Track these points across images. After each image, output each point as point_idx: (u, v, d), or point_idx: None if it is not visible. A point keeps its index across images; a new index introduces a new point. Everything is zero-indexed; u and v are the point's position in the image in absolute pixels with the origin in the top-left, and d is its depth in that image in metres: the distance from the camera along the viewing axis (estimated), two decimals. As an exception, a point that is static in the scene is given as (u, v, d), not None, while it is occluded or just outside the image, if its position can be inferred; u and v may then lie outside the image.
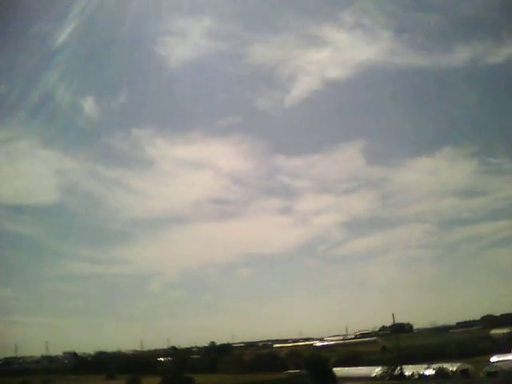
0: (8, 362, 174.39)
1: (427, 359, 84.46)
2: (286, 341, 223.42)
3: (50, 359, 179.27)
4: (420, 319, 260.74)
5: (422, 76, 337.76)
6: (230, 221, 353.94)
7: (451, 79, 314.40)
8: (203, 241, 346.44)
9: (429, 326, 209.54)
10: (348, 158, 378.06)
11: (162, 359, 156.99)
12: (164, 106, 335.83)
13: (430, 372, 75.98)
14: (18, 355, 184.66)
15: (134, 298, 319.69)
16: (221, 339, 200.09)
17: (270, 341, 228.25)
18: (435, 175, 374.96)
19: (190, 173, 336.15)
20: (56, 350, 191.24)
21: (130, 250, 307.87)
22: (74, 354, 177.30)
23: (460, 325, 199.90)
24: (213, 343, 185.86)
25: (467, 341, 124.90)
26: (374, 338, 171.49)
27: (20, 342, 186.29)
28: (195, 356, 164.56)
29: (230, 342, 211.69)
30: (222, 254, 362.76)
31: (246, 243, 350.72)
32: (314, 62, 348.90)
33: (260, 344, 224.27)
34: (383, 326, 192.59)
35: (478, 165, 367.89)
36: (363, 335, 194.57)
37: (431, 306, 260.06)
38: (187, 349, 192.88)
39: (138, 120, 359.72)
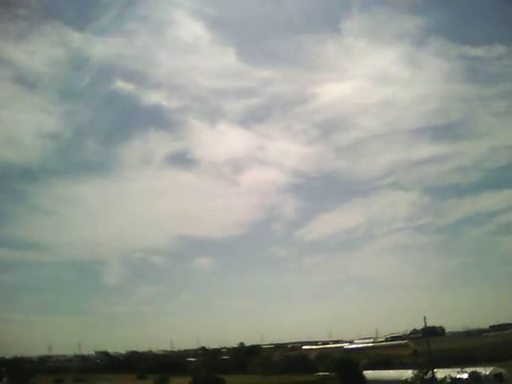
0: (42, 360, 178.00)
1: (460, 363, 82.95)
2: (315, 343, 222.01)
3: (82, 358, 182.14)
4: (452, 322, 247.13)
5: None
6: (106, 178, 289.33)
7: None
8: (95, 217, 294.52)
9: (461, 329, 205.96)
10: (196, 40, 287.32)
11: (191, 359, 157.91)
12: None
13: (462, 376, 74.72)
14: (52, 354, 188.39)
15: (95, 293, 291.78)
16: (248, 340, 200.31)
17: (298, 342, 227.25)
18: (381, 86, 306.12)
19: None
20: (88, 350, 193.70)
21: (26, 230, 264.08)
22: (106, 354, 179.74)
23: (493, 328, 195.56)
24: (242, 344, 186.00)
25: (501, 344, 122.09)
26: (404, 341, 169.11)
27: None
28: (224, 357, 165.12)
29: (259, 343, 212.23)
30: (149, 236, 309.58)
31: (162, 218, 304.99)
32: None
33: (289, 346, 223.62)
34: (414, 329, 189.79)
35: (449, 62, 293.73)
36: (394, 338, 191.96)
37: (459, 308, 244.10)
38: (216, 349, 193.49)
39: None
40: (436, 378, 73.77)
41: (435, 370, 74.65)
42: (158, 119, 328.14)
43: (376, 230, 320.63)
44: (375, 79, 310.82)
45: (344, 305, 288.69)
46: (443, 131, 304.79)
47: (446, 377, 75.06)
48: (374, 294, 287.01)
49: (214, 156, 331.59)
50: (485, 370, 76.00)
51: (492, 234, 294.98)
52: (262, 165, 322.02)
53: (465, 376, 74.45)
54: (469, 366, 77.67)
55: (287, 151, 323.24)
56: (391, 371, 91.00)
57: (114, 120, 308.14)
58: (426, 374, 74.45)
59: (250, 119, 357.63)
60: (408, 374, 77.93)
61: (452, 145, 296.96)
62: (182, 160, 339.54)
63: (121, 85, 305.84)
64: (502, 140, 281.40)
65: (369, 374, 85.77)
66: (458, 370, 76.72)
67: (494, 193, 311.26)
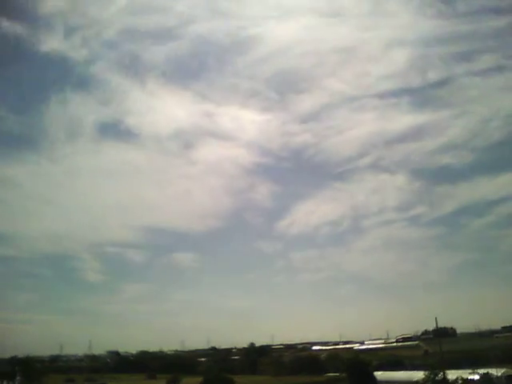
0: (53, 359, 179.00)
1: (471, 364, 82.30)
2: (325, 343, 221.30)
3: (93, 358, 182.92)
4: (463, 323, 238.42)
5: None
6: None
7: None
8: (41, 203, 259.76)
9: (473, 330, 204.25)
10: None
11: (202, 359, 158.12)
12: None
13: (474, 377, 74.13)
14: (63, 353, 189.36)
15: (79, 291, 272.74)
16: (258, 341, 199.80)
17: (309, 343, 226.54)
18: (335, 24, 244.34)
19: None
20: (98, 349, 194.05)
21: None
22: (117, 354, 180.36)
23: (506, 329, 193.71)
24: (252, 344, 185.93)
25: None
26: (416, 343, 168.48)
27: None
28: (235, 357, 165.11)
29: (269, 343, 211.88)
30: (113, 227, 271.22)
31: (120, 206, 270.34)
32: None
33: (299, 346, 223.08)
34: (425, 330, 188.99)
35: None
36: (405, 339, 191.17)
37: (470, 309, 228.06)
38: (227, 349, 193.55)
39: None
40: (447, 380, 73.28)
41: (446, 372, 74.23)
42: (69, 74, 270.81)
43: (364, 223, 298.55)
44: (326, 15, 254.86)
45: (346, 305, 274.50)
46: (421, 95, 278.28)
47: (457, 378, 74.53)
48: (377, 294, 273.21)
49: (154, 126, 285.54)
50: (497, 372, 75.38)
51: (494, 227, 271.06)
52: (216, 138, 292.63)
53: (476, 377, 73.84)
54: (480, 368, 76.98)
55: (240, 120, 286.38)
56: (402, 372, 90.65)
57: (15, 77, 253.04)
58: (437, 375, 74.02)
59: (184, 75, 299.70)
60: (419, 375, 77.50)
61: (433, 114, 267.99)
62: (116, 132, 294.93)
63: (6, 24, 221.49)
64: (492, 108, 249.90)
65: (380, 375, 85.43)
66: (470, 371, 76.16)
67: (490, 178, 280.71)
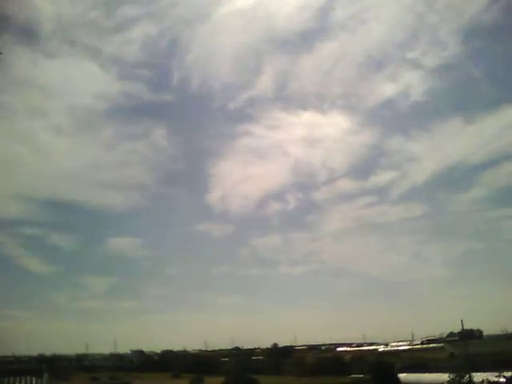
0: (79, 358, 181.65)
1: (498, 367, 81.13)
2: (349, 345, 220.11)
3: (118, 357, 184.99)
4: (490, 325, 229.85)
5: None
6: None
7: None
8: None
9: (500, 333, 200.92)
10: None
11: (225, 359, 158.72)
12: None
13: (500, 380, 73.14)
14: (89, 352, 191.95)
15: (29, 284, 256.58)
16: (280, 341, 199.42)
17: (332, 344, 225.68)
18: None
19: None
20: (123, 348, 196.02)
21: None
22: (141, 353, 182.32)
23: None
24: (275, 345, 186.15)
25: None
26: (441, 345, 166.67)
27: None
28: (258, 357, 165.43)
29: (293, 344, 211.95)
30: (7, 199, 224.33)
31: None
32: None
33: (323, 347, 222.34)
34: (451, 332, 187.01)
35: None
36: (430, 341, 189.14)
37: (495, 310, 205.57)
38: (250, 350, 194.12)
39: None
40: (473, 382, 72.43)
41: (472, 374, 73.29)
42: None
43: (316, 196, 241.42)
44: None
45: (346, 304, 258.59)
46: None
47: (483, 381, 73.60)
48: (378, 293, 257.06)
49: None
50: (524, 375, 74.25)
51: (485, 204, 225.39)
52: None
53: (503, 380, 72.83)
54: (507, 371, 75.87)
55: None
56: (427, 374, 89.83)
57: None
58: (463, 377, 73.18)
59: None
60: (444, 377, 76.70)
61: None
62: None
63: None
64: None
65: (404, 376, 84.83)
66: (496, 374, 75.13)
67: (461, 124, 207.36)
